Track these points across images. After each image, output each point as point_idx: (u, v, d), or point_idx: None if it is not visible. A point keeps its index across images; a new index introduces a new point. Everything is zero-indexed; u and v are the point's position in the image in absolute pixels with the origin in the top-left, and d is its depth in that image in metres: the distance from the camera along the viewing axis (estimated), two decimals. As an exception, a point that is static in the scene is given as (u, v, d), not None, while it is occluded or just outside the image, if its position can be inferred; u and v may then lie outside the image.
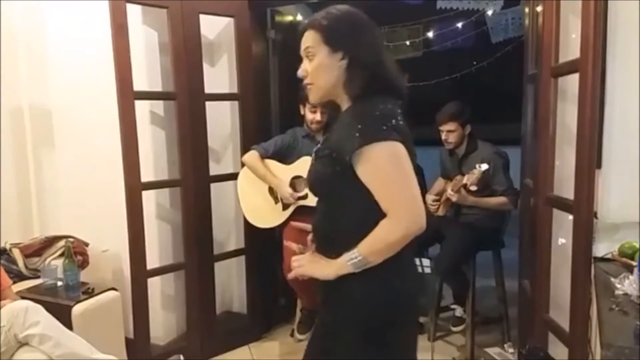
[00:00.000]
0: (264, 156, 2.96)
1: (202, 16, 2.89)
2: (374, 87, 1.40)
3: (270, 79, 3.65)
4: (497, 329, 3.23)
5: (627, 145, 1.99)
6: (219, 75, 3.21)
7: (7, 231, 2.92)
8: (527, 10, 2.97)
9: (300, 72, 1.47)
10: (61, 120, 3.13)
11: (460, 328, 3.25)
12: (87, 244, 2.95)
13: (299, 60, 1.49)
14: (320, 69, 1.42)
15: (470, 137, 3.10)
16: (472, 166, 2.95)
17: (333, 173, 1.39)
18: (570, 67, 2.07)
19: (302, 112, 3.06)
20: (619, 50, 1.97)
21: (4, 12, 2.95)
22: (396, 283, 1.41)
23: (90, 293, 2.61)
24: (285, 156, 3.01)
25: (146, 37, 2.86)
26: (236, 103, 3.14)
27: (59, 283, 2.69)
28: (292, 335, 3.17)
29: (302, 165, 2.98)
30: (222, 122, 3.25)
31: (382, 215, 1.34)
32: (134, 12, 2.68)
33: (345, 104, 1.46)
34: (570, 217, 2.05)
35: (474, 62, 5.93)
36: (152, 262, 2.80)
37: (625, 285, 1.67)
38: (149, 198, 2.82)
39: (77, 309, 2.48)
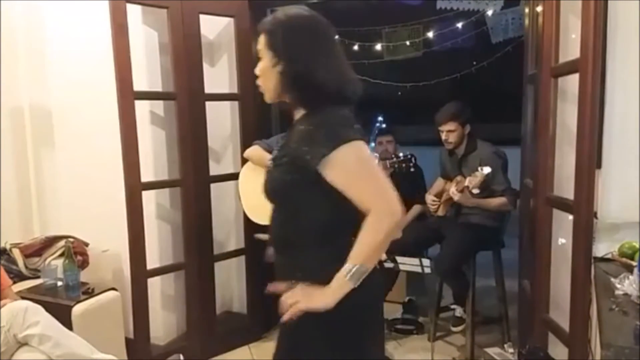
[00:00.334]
0: (266, 151, 2.96)
1: (202, 16, 2.89)
2: (320, 95, 1.38)
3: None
4: (497, 329, 3.23)
5: (627, 145, 1.99)
6: (219, 75, 3.21)
7: (7, 231, 2.92)
8: (527, 10, 2.96)
9: (255, 71, 1.47)
10: (61, 120, 3.13)
11: (460, 328, 3.25)
12: (87, 244, 2.95)
13: None
14: (264, 71, 1.43)
15: (470, 137, 3.10)
16: (471, 166, 2.95)
17: (293, 180, 1.38)
18: (570, 67, 2.07)
19: None
20: (619, 50, 1.97)
21: (4, 12, 2.95)
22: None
23: (90, 293, 2.61)
24: None
25: (146, 37, 2.86)
26: (236, 103, 3.14)
27: (59, 283, 2.69)
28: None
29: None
30: (222, 122, 3.25)
31: (347, 215, 1.35)
32: (134, 12, 2.68)
33: (297, 112, 1.46)
34: (570, 217, 2.05)
35: (474, 62, 5.93)
36: (152, 262, 2.80)
37: (625, 285, 1.67)
38: (149, 198, 2.82)
39: (77, 309, 2.48)
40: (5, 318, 2.16)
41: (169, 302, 3.09)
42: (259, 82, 1.47)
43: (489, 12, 4.87)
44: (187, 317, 3.04)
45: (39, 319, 2.19)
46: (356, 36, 5.58)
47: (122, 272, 2.96)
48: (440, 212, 3.15)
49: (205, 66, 3.00)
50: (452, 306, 3.31)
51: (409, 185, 3.69)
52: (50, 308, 2.31)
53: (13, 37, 3.01)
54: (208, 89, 2.97)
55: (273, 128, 3.57)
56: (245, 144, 3.05)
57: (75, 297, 2.56)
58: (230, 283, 3.45)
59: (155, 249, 2.93)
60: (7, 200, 2.98)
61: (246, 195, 3.00)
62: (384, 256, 2.46)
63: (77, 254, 2.79)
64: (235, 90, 3.14)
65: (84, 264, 2.85)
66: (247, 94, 3.09)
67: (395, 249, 3.08)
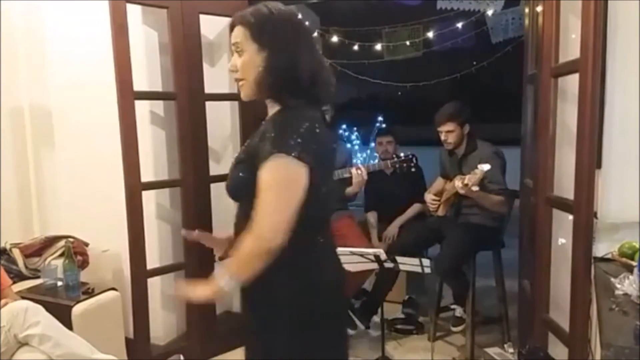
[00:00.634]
0: None
1: (202, 16, 2.89)
2: (295, 91, 1.39)
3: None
4: (497, 329, 3.23)
5: (627, 145, 1.98)
6: (219, 75, 3.20)
7: (7, 231, 2.92)
8: (527, 10, 2.97)
9: (230, 66, 1.45)
10: (61, 120, 3.13)
11: (460, 328, 3.25)
12: (87, 244, 2.95)
13: None
14: (249, 65, 1.41)
15: (470, 137, 3.10)
16: (472, 166, 2.94)
17: (250, 179, 1.38)
18: (570, 67, 2.07)
19: None
20: (619, 50, 1.97)
21: (4, 12, 2.95)
22: (312, 276, 1.45)
23: (90, 293, 2.61)
24: None
25: (146, 37, 2.86)
26: (236, 103, 3.14)
27: (59, 283, 2.69)
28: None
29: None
30: (222, 122, 3.25)
31: (301, 217, 1.35)
32: (134, 12, 2.68)
33: (272, 107, 1.46)
34: (570, 217, 2.05)
35: (474, 62, 5.93)
36: (152, 262, 2.80)
37: (625, 285, 1.66)
38: (149, 198, 2.82)
39: (77, 309, 2.48)
40: (5, 318, 2.16)
41: (169, 302, 3.09)
42: (239, 76, 1.44)
43: (489, 12, 4.87)
44: (187, 317, 3.04)
45: (39, 319, 2.19)
46: (356, 36, 5.59)
47: (122, 272, 2.96)
48: (440, 212, 3.15)
49: (205, 66, 3.00)
50: (452, 306, 3.32)
51: (410, 185, 3.70)
52: (50, 308, 2.31)
53: (13, 37, 3.01)
54: (208, 89, 2.97)
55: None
56: (245, 144, 3.05)
57: (75, 297, 2.56)
58: (230, 283, 3.44)
59: (155, 249, 2.93)
60: (7, 200, 2.98)
61: None
62: (383, 256, 2.47)
63: (77, 254, 2.79)
64: (235, 90, 3.11)
65: (84, 264, 2.85)
66: (247, 94, 3.09)
67: (395, 249, 3.10)
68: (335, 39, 5.47)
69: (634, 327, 1.39)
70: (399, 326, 3.45)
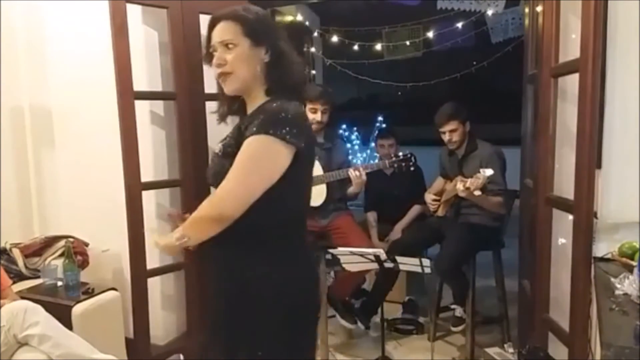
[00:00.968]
0: None
1: (202, 16, 2.89)
2: (289, 83, 1.48)
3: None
4: (497, 329, 3.23)
5: (627, 145, 1.99)
6: (219, 75, 3.20)
7: (7, 231, 2.92)
8: (527, 10, 2.97)
9: (216, 61, 1.49)
10: (61, 120, 3.13)
11: (460, 328, 3.25)
12: (87, 244, 2.95)
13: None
14: (241, 59, 1.45)
15: (470, 137, 3.10)
16: (472, 166, 2.95)
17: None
18: (570, 67, 2.07)
19: None
20: (619, 50, 1.97)
21: (4, 11, 2.95)
22: (290, 272, 1.48)
23: (90, 293, 2.61)
24: None
25: (146, 37, 2.86)
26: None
27: (59, 283, 2.69)
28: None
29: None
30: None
31: (278, 210, 1.43)
32: (134, 12, 2.68)
33: (256, 100, 1.50)
34: (570, 217, 2.05)
35: (474, 62, 5.93)
36: (152, 262, 2.80)
37: (625, 285, 1.67)
38: (149, 198, 2.82)
39: (77, 309, 2.48)
40: (5, 318, 2.16)
41: (169, 302, 3.09)
42: (228, 69, 1.47)
43: (489, 13, 4.87)
44: (187, 317, 3.04)
45: (39, 319, 2.19)
46: (356, 36, 5.58)
47: (122, 272, 2.96)
48: (440, 212, 3.16)
49: (205, 66, 2.98)
50: (452, 306, 3.31)
51: (409, 185, 3.69)
52: (50, 308, 2.31)
53: (13, 37, 3.01)
54: (208, 89, 2.97)
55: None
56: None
57: (75, 297, 2.56)
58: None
59: (155, 249, 2.92)
60: (7, 200, 2.98)
61: None
62: (383, 256, 2.47)
63: (77, 254, 2.79)
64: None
65: (84, 264, 2.85)
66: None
67: (395, 249, 3.10)
68: (335, 39, 5.46)
69: (634, 327, 1.39)
70: (399, 326, 3.46)
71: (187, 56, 2.83)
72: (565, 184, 2.19)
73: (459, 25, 5.11)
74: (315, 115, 3.02)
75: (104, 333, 2.55)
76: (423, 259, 2.43)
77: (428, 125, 3.16)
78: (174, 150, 2.94)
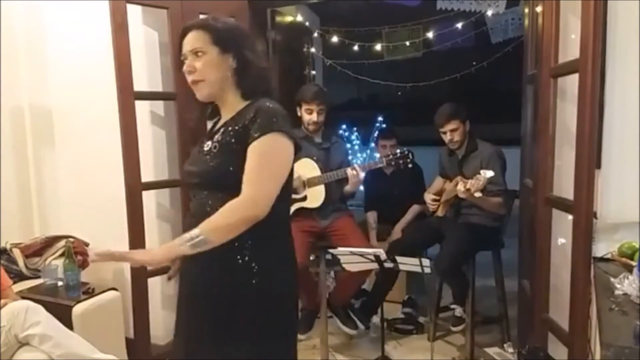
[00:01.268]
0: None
1: (202, 16, 2.88)
2: (261, 87, 1.56)
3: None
4: (497, 329, 3.23)
5: (627, 145, 1.99)
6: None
7: (8, 231, 2.92)
8: (527, 10, 2.97)
9: (186, 68, 1.57)
10: (61, 120, 3.13)
11: (460, 328, 3.25)
12: (87, 244, 2.95)
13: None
14: (210, 66, 1.54)
15: (470, 137, 3.10)
16: (472, 166, 2.95)
17: (232, 165, 1.49)
18: (570, 67, 2.07)
19: (298, 114, 3.07)
20: (619, 50, 1.97)
21: (4, 11, 2.95)
22: (286, 267, 1.57)
23: (90, 293, 2.61)
24: None
25: (146, 37, 2.86)
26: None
27: (60, 283, 2.69)
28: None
29: (302, 167, 2.98)
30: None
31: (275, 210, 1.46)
32: (134, 12, 2.68)
33: (231, 104, 1.58)
34: (570, 217, 2.05)
35: (474, 62, 5.93)
36: (152, 262, 2.80)
37: (625, 285, 1.67)
38: (149, 198, 2.82)
39: (77, 309, 2.48)
40: (5, 318, 2.16)
41: (169, 302, 3.09)
42: (198, 77, 1.55)
43: (489, 13, 4.87)
44: (187, 317, 3.03)
45: (40, 319, 2.19)
46: (356, 36, 5.58)
47: (122, 272, 2.96)
48: (440, 212, 3.16)
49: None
50: (452, 306, 3.32)
51: (409, 185, 3.70)
52: (51, 308, 2.31)
53: (13, 37, 3.01)
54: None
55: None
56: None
57: (75, 297, 2.56)
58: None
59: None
60: (7, 200, 2.98)
61: None
62: (383, 256, 2.47)
63: (77, 254, 2.79)
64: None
65: (84, 264, 2.85)
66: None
67: (395, 248, 3.10)
68: (335, 39, 5.46)
69: (634, 327, 1.39)
70: (399, 326, 3.46)
71: (187, 56, 2.83)
72: (565, 184, 2.19)
73: (459, 25, 5.10)
74: (311, 116, 3.01)
75: (104, 333, 2.55)
76: (423, 259, 2.43)
77: (428, 125, 3.16)
78: (174, 150, 2.94)
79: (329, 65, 5.82)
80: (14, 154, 3.07)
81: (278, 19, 4.05)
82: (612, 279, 1.73)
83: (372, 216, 3.82)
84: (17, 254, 2.84)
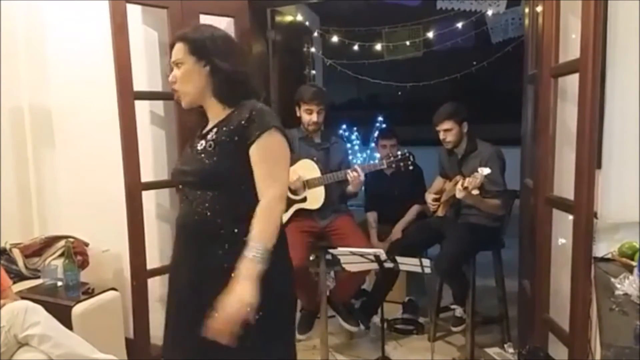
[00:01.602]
0: None
1: (202, 16, 2.88)
2: (240, 92, 1.62)
3: (270, 79, 3.65)
4: (497, 329, 3.23)
5: (627, 145, 1.99)
6: (219, 75, 3.20)
7: (7, 231, 2.92)
8: (527, 10, 2.97)
9: (170, 79, 1.67)
10: (61, 120, 3.13)
11: (460, 328, 3.25)
12: (87, 244, 2.95)
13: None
14: (186, 75, 1.62)
15: (470, 137, 3.10)
16: (472, 166, 2.95)
17: (232, 163, 1.56)
18: (570, 67, 2.07)
19: (297, 114, 3.07)
20: (619, 50, 1.97)
21: (4, 12, 2.95)
22: (281, 265, 1.60)
23: (90, 293, 2.61)
24: None
25: (146, 37, 2.86)
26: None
27: (59, 283, 2.69)
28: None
29: (302, 168, 2.98)
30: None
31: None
32: (134, 12, 2.68)
33: (215, 109, 1.66)
34: (570, 217, 2.05)
35: (474, 62, 5.93)
36: (152, 262, 2.80)
37: (625, 285, 1.67)
38: (149, 198, 2.82)
39: (77, 309, 2.48)
40: (5, 318, 2.16)
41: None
42: (177, 87, 1.65)
43: (489, 13, 4.87)
44: (187, 317, 3.03)
45: (39, 319, 2.19)
46: (356, 36, 5.58)
47: (122, 272, 2.96)
48: (440, 212, 3.15)
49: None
50: (452, 306, 3.31)
51: (409, 184, 3.69)
52: (50, 308, 2.31)
53: (13, 37, 3.01)
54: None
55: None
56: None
57: (75, 297, 2.56)
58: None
59: (155, 249, 2.93)
60: (7, 200, 2.98)
61: None
62: (383, 256, 2.47)
63: (77, 254, 2.79)
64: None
65: (84, 264, 2.85)
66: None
67: (395, 249, 3.10)
68: (335, 39, 5.46)
69: (634, 327, 1.39)
70: (399, 326, 3.46)
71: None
72: (565, 184, 2.19)
73: (459, 25, 5.10)
74: (311, 116, 3.01)
75: (104, 333, 2.55)
76: (423, 259, 2.43)
77: (428, 125, 3.15)
78: (173, 150, 2.94)
79: (329, 65, 5.81)
80: (14, 154, 3.07)
81: (278, 18, 4.04)
82: (612, 279, 1.73)
83: (372, 216, 3.82)
84: (16, 254, 2.84)
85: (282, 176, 1.59)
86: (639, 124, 1.96)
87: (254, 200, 1.54)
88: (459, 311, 3.28)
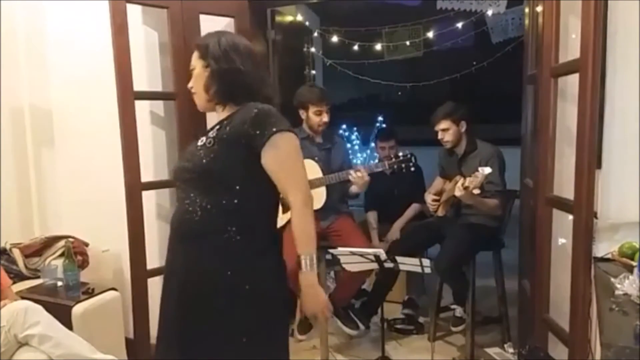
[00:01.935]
0: None
1: (202, 16, 2.89)
2: (237, 95, 1.65)
3: (270, 79, 3.64)
4: (497, 329, 3.23)
5: (627, 145, 1.98)
6: (219, 75, 3.20)
7: (7, 231, 2.92)
8: (527, 10, 2.97)
9: (188, 85, 1.75)
10: (61, 120, 3.13)
11: (460, 328, 3.25)
12: (87, 244, 2.95)
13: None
14: (197, 79, 1.71)
15: (469, 137, 3.10)
16: (471, 166, 2.95)
17: (236, 161, 1.58)
18: (570, 67, 2.07)
19: (302, 117, 3.08)
20: (619, 50, 1.97)
21: (5, 12, 2.95)
22: (275, 261, 1.65)
23: (90, 293, 2.61)
24: None
25: (146, 37, 2.86)
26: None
27: (59, 283, 2.69)
28: (292, 335, 3.18)
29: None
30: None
31: (269, 203, 1.63)
32: (134, 12, 2.67)
33: (220, 109, 1.71)
34: (570, 217, 2.05)
35: (474, 62, 5.93)
36: (152, 262, 2.80)
37: (625, 285, 1.67)
38: (149, 198, 2.82)
39: (77, 309, 2.48)
40: (5, 318, 2.16)
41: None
42: (193, 92, 1.73)
43: (489, 13, 4.87)
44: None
45: (39, 319, 2.19)
46: (356, 36, 5.58)
47: (122, 272, 2.96)
48: (440, 212, 3.15)
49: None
50: (452, 306, 3.32)
51: (409, 185, 3.69)
52: (50, 308, 2.31)
53: (13, 37, 3.01)
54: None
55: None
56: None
57: (75, 297, 2.56)
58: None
59: (155, 249, 2.92)
60: (7, 200, 2.98)
61: None
62: (383, 256, 2.47)
63: (77, 254, 2.79)
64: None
65: (84, 264, 2.85)
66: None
67: (395, 248, 3.10)
68: (335, 39, 5.46)
69: (634, 327, 1.39)
70: (399, 326, 3.46)
71: (187, 56, 2.80)
72: (565, 184, 2.19)
73: (459, 25, 5.10)
74: (321, 117, 3.04)
75: (104, 333, 2.55)
76: (423, 259, 2.43)
77: (428, 125, 3.16)
78: (174, 150, 2.94)
79: (329, 65, 5.81)
80: (14, 154, 3.07)
81: (278, 18, 4.04)
82: (612, 279, 1.73)
83: (372, 216, 3.82)
84: (16, 254, 2.84)
85: (301, 178, 1.60)
86: (639, 124, 1.96)
87: (249, 204, 1.57)
88: (459, 311, 3.28)
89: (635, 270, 1.70)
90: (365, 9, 5.53)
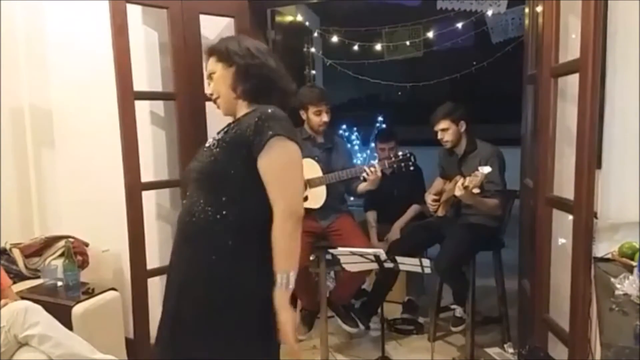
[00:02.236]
0: None
1: (202, 16, 2.89)
2: (263, 91, 1.65)
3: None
4: (497, 329, 3.23)
5: (627, 146, 1.98)
6: (219, 75, 3.20)
7: (7, 231, 2.92)
8: (527, 10, 2.97)
9: (208, 90, 1.75)
10: (61, 120, 3.13)
11: (460, 328, 3.25)
12: (87, 244, 2.95)
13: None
14: (219, 81, 1.69)
15: (469, 137, 3.10)
16: (471, 166, 2.94)
17: (234, 164, 1.56)
18: (570, 67, 2.07)
19: (303, 118, 3.09)
20: (619, 50, 1.97)
21: (4, 12, 2.95)
22: (267, 268, 1.58)
23: (90, 293, 2.61)
24: None
25: (146, 37, 2.86)
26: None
27: (59, 283, 2.69)
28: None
29: (305, 168, 2.98)
30: (222, 122, 3.24)
31: (264, 210, 1.54)
32: (134, 12, 2.68)
33: (240, 112, 1.69)
34: (570, 217, 2.05)
35: (474, 62, 5.93)
36: (152, 262, 2.80)
37: (625, 285, 1.67)
38: (149, 198, 2.82)
39: (77, 309, 2.48)
40: (5, 318, 2.16)
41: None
42: (215, 95, 1.72)
43: (489, 13, 4.87)
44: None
45: (39, 319, 2.19)
46: (356, 36, 5.58)
47: (122, 272, 2.96)
48: (440, 212, 3.15)
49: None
50: (452, 306, 3.31)
51: (409, 185, 3.69)
52: (50, 308, 2.31)
53: (13, 37, 3.01)
54: (208, 89, 2.97)
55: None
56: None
57: (75, 297, 2.56)
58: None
59: (155, 249, 2.92)
60: (7, 200, 2.98)
61: None
62: (383, 256, 2.47)
63: (77, 254, 2.79)
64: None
65: (84, 264, 2.85)
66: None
67: (395, 248, 3.10)
68: (335, 39, 5.46)
69: (634, 327, 1.39)
70: (399, 326, 3.46)
71: (187, 56, 2.84)
72: (565, 184, 2.19)
73: (459, 25, 5.10)
74: (321, 117, 3.04)
75: (104, 333, 2.55)
76: (423, 259, 2.43)
77: (428, 125, 3.15)
78: (174, 150, 2.94)
79: (329, 65, 5.82)
80: (14, 154, 3.07)
81: (278, 19, 4.05)
82: (612, 279, 1.73)
83: (372, 216, 3.81)
84: (16, 254, 2.84)
85: (290, 187, 1.54)
86: (639, 124, 1.96)
87: (249, 208, 1.56)
88: (458, 311, 3.28)
89: (635, 270, 1.70)
90: (365, 9, 5.53)
